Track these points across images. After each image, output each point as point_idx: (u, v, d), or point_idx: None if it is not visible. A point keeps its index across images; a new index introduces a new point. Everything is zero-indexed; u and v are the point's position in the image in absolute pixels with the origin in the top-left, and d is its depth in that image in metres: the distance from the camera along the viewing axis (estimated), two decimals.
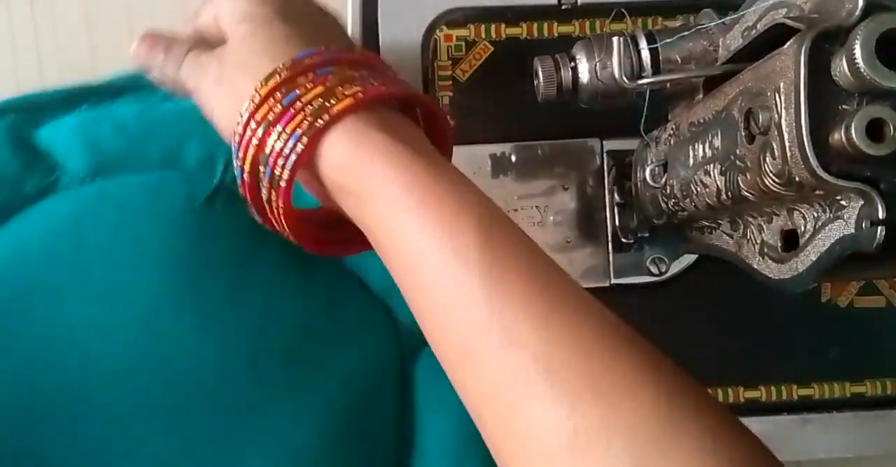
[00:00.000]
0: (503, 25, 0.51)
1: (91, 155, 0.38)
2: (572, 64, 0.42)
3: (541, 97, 0.43)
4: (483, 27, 0.51)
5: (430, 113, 0.36)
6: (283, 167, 0.32)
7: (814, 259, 0.31)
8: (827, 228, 0.30)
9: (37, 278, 0.36)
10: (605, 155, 0.51)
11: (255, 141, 0.32)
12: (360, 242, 0.33)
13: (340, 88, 0.32)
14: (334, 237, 0.36)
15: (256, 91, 0.32)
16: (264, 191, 0.33)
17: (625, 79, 0.40)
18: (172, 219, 0.37)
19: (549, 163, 0.51)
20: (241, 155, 0.33)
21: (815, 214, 0.31)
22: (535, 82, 0.43)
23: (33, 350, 0.35)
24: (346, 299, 0.40)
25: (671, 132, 0.41)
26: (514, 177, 0.51)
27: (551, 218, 0.51)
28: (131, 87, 0.41)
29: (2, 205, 0.37)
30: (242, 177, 0.33)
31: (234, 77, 0.34)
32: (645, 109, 0.41)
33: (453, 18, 0.52)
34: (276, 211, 0.33)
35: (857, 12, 0.27)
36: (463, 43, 0.51)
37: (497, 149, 0.51)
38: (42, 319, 0.36)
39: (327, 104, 0.31)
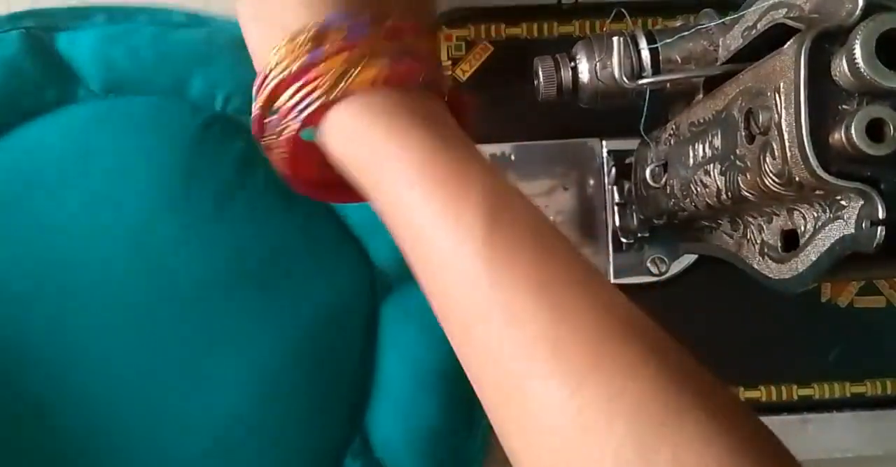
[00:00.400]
0: (503, 25, 0.51)
1: (105, 72, 0.41)
2: (572, 64, 0.42)
3: (541, 97, 0.43)
4: (483, 27, 0.51)
5: (452, 94, 0.35)
6: (292, 119, 0.31)
7: (814, 259, 0.31)
8: (827, 228, 0.30)
9: (44, 174, 0.40)
10: (605, 155, 0.51)
11: (271, 87, 0.32)
12: (351, 192, 0.33)
13: (367, 59, 0.31)
14: (329, 177, 0.35)
15: (282, 44, 0.31)
16: (270, 135, 0.33)
17: (625, 79, 0.40)
18: (172, 137, 0.40)
19: (549, 163, 0.51)
20: (257, 95, 0.32)
21: (815, 214, 0.31)
22: (536, 82, 0.43)
23: (28, 238, 0.39)
24: (323, 231, 0.41)
25: (671, 132, 0.41)
26: (514, 177, 0.51)
27: (551, 218, 0.51)
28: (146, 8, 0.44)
29: (25, 110, 0.40)
30: (255, 113, 0.33)
31: (269, 18, 0.33)
32: (645, 109, 0.41)
33: (454, 18, 0.52)
34: (277, 148, 0.33)
35: (858, 12, 0.27)
36: (463, 43, 0.51)
37: (497, 149, 0.51)
38: (42, 211, 0.39)
39: (348, 73, 0.31)
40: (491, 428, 0.29)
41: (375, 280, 0.42)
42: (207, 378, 0.39)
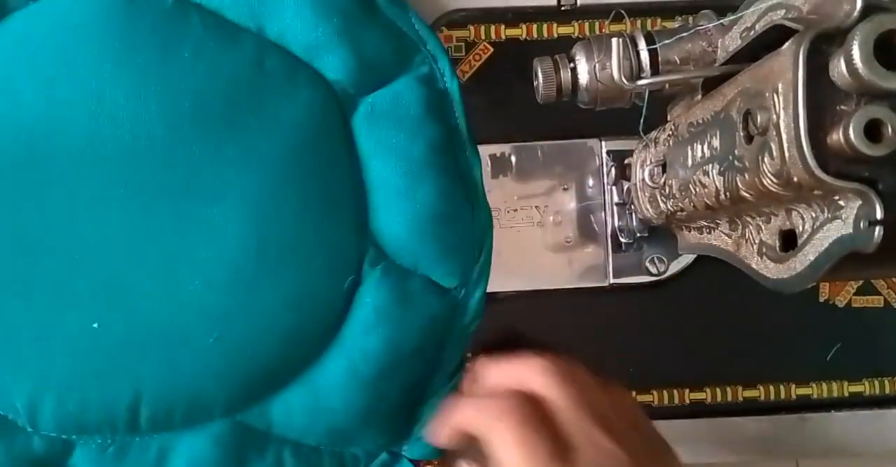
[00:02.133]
0: (503, 26, 0.52)
1: None
2: (571, 65, 0.42)
3: (540, 98, 0.43)
4: (483, 28, 0.52)
5: None
6: None
7: (812, 259, 0.31)
8: (825, 228, 0.30)
9: (15, 66, 0.41)
10: (604, 155, 0.51)
11: None
12: None
13: None
14: None
15: None
16: None
17: (624, 79, 0.40)
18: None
19: (549, 163, 0.51)
20: None
21: (814, 214, 0.31)
22: (535, 83, 0.43)
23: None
24: (273, 62, 0.42)
25: (670, 132, 0.42)
26: (514, 177, 0.51)
27: (551, 218, 0.51)
28: None
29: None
30: None
31: None
32: (644, 110, 0.41)
33: (453, 19, 0.52)
34: None
35: (856, 13, 0.27)
36: (463, 44, 0.52)
37: (497, 149, 0.51)
38: (17, 96, 0.41)
39: None
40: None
41: (337, 95, 0.43)
42: (206, 222, 0.40)
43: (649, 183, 0.43)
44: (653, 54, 0.40)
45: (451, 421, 0.38)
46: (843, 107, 0.28)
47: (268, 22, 0.43)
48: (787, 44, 0.29)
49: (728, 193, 0.35)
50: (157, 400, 0.40)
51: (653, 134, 0.44)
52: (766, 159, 0.30)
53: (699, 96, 0.39)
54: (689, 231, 0.44)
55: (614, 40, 0.40)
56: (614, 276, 0.51)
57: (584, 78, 0.42)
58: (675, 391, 0.51)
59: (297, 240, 0.41)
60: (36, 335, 0.39)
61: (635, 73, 0.40)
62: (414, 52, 0.45)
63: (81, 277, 0.40)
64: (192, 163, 0.40)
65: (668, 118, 0.43)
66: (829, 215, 0.30)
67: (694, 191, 0.38)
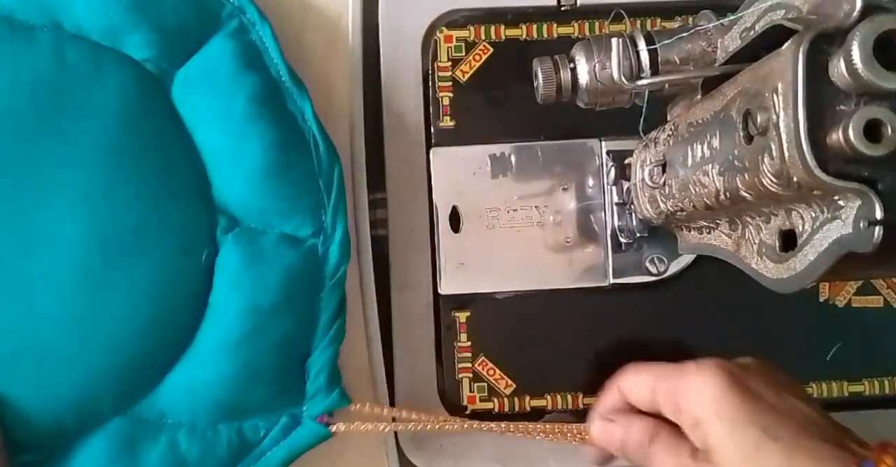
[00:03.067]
0: (503, 26, 0.52)
1: None
2: (571, 65, 0.42)
3: (540, 98, 0.43)
4: (483, 28, 0.52)
5: None
6: None
7: (812, 259, 0.31)
8: (825, 228, 0.30)
9: None
10: (604, 155, 0.51)
11: None
12: None
13: None
14: None
15: None
16: None
17: (624, 80, 0.40)
18: None
19: (549, 163, 0.51)
20: None
21: (813, 214, 0.31)
22: (535, 83, 0.43)
23: None
24: (73, 51, 0.42)
25: (670, 132, 0.42)
26: (513, 177, 0.51)
27: (551, 218, 0.51)
28: None
29: None
30: None
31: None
32: (644, 110, 0.41)
33: (453, 19, 0.52)
34: None
35: (855, 13, 0.27)
36: (463, 44, 0.52)
37: (497, 149, 0.51)
38: None
39: None
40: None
41: (151, 74, 0.43)
42: (41, 231, 0.40)
43: (649, 183, 0.43)
44: (653, 54, 0.40)
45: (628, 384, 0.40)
46: (842, 107, 0.28)
47: (62, 15, 0.42)
48: (786, 44, 0.29)
49: (728, 193, 0.35)
50: (42, 413, 0.40)
51: (653, 134, 0.44)
52: (765, 159, 0.30)
53: (699, 96, 0.39)
54: (689, 231, 0.44)
55: (614, 40, 0.40)
56: (614, 276, 0.51)
57: (583, 78, 0.42)
58: None
59: (140, 229, 0.41)
60: None
61: (635, 73, 0.40)
62: (219, 9, 0.44)
63: None
64: (11, 173, 0.40)
65: (668, 118, 0.43)
66: (829, 215, 0.30)
67: (694, 191, 0.38)
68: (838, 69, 0.27)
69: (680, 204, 0.40)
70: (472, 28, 0.51)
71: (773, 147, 0.30)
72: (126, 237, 0.40)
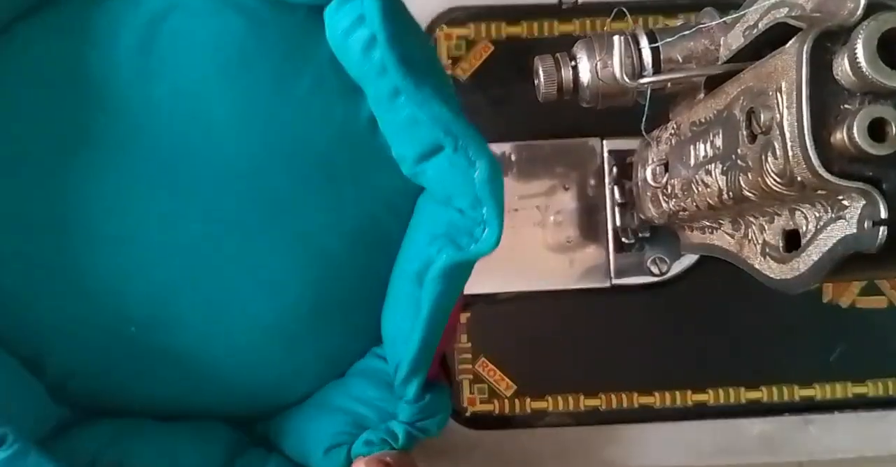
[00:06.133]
0: (504, 24, 0.51)
1: None
2: (573, 63, 0.42)
3: (541, 96, 0.43)
4: (484, 26, 0.51)
5: None
6: None
7: (815, 259, 0.31)
8: (829, 228, 0.30)
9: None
10: (605, 154, 0.51)
11: None
12: None
13: None
14: None
15: None
16: None
17: (626, 78, 0.40)
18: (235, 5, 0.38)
19: (550, 162, 0.51)
20: None
21: (817, 214, 0.31)
22: (536, 81, 0.43)
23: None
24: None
25: (672, 131, 0.41)
26: (514, 177, 0.51)
27: (552, 218, 0.51)
28: None
29: None
30: None
31: None
32: (646, 109, 0.41)
33: (454, 17, 0.52)
34: None
35: (859, 11, 0.27)
36: (464, 42, 0.51)
37: (497, 148, 0.51)
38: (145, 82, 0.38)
39: None
40: None
41: None
42: (268, 270, 0.39)
43: (651, 182, 0.43)
44: (655, 52, 0.40)
45: None
46: (846, 105, 0.28)
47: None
48: (790, 42, 0.29)
49: (731, 193, 0.35)
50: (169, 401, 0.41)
51: (655, 133, 0.44)
52: (769, 158, 0.30)
53: (702, 95, 0.39)
54: (692, 231, 0.44)
55: (616, 38, 0.40)
56: (616, 277, 0.50)
57: (585, 76, 0.42)
58: (678, 392, 0.51)
59: (346, 303, 0.41)
60: (69, 322, 0.38)
61: (637, 72, 0.40)
62: None
63: (134, 283, 0.38)
64: (273, 203, 0.38)
65: (671, 117, 0.43)
66: (833, 215, 0.30)
67: (696, 191, 0.38)
68: (842, 67, 0.27)
69: (682, 203, 0.40)
70: (472, 26, 0.51)
71: (776, 146, 0.29)
72: (344, 304, 0.41)
